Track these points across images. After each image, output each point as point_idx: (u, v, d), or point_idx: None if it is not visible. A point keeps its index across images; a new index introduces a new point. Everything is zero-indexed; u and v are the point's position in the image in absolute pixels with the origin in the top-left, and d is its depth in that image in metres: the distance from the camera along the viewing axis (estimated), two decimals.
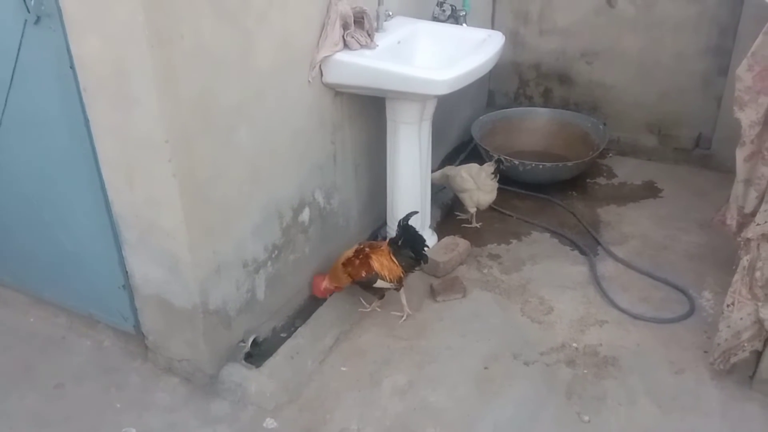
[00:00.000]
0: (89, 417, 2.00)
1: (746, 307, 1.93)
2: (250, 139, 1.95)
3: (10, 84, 1.88)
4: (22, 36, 1.76)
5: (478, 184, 2.78)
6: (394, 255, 2.22)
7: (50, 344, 2.27)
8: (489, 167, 2.79)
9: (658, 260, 2.64)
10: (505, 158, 3.07)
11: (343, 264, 2.25)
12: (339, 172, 2.43)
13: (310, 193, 2.30)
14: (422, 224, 2.61)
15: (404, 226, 2.24)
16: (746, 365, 2.03)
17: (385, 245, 2.25)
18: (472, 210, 2.85)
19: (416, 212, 2.29)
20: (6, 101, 1.93)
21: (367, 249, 2.25)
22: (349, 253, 2.27)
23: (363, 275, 2.22)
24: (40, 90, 1.84)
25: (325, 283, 2.30)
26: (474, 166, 2.85)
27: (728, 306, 1.97)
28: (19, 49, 1.79)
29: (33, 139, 1.97)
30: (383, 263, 2.21)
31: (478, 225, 2.90)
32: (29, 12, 1.69)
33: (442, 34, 2.54)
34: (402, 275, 2.24)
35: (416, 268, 2.29)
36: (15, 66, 1.83)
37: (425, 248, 2.26)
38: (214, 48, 1.74)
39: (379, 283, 2.23)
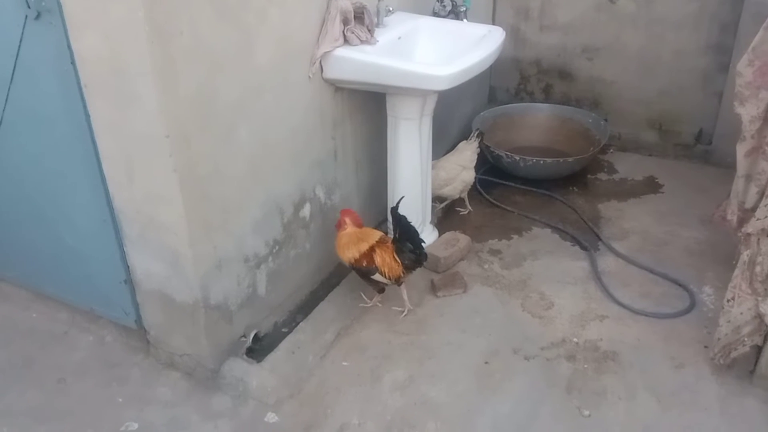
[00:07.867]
0: (91, 412, 2.01)
1: (746, 302, 1.93)
2: (250, 135, 1.95)
3: (11, 80, 1.88)
4: (22, 32, 1.76)
5: (464, 165, 2.81)
6: (397, 253, 2.22)
7: (52, 339, 2.28)
8: (471, 143, 2.85)
9: (658, 256, 2.64)
10: (506, 154, 3.08)
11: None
12: (340, 168, 2.44)
13: (311, 189, 2.30)
14: (423, 220, 2.62)
15: (397, 217, 2.22)
16: (746, 360, 2.03)
17: (390, 243, 2.25)
18: (458, 195, 2.88)
19: (403, 197, 2.28)
20: (7, 97, 1.94)
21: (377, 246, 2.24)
22: (372, 240, 2.23)
23: (363, 264, 2.23)
24: (41, 86, 1.85)
25: (341, 231, 2.27)
26: (449, 157, 2.86)
27: (728, 301, 1.97)
28: (19, 45, 1.79)
29: (34, 135, 1.98)
30: (385, 259, 2.21)
31: (471, 208, 2.96)
32: (29, 8, 1.69)
33: (442, 29, 2.54)
34: (402, 274, 2.23)
35: (417, 268, 2.27)
36: (16, 62, 1.84)
37: (422, 243, 2.25)
38: (213, 44, 1.74)
39: (377, 277, 2.24)
